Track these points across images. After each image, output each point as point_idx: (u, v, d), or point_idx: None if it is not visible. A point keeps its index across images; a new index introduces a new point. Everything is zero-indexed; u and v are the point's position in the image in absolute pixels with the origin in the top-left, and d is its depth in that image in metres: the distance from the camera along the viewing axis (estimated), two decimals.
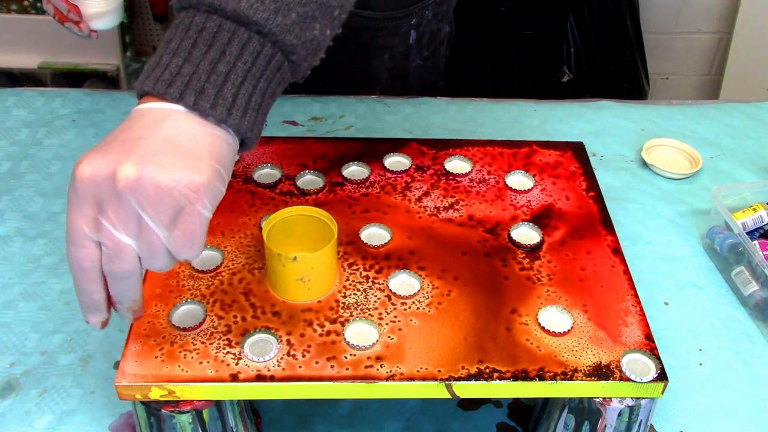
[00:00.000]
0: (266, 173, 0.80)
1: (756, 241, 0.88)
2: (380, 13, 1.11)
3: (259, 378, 0.61)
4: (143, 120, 0.54)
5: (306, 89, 1.14)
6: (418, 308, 0.67)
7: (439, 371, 0.62)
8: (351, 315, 0.66)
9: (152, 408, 0.62)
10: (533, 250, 0.73)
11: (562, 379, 0.62)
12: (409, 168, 0.81)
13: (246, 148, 0.58)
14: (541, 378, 0.62)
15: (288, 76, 0.59)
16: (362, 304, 0.67)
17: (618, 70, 2.01)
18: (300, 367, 0.62)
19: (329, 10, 0.58)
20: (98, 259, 0.54)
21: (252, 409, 0.72)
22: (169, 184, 0.52)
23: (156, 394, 0.61)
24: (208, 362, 0.62)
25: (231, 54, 0.55)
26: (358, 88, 1.18)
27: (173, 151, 0.52)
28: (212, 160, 0.53)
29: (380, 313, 0.66)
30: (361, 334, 0.64)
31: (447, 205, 0.77)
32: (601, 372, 0.62)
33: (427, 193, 0.79)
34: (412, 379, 0.61)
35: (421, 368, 0.62)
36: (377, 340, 0.64)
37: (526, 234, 0.75)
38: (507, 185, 0.80)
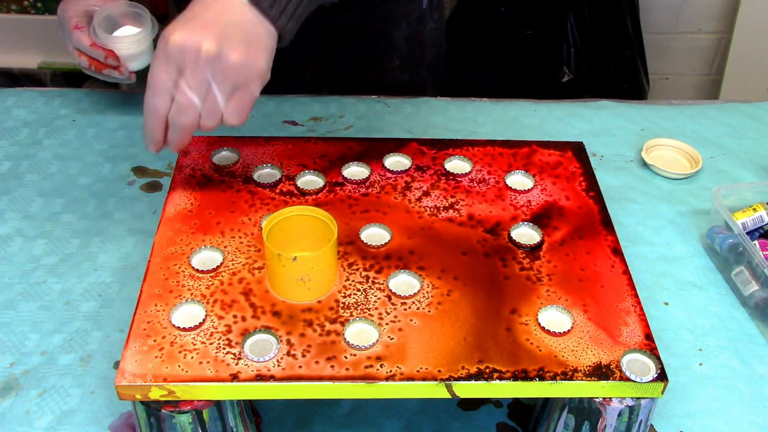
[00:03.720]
0: (266, 173, 0.80)
1: (756, 241, 0.88)
2: None
3: (259, 378, 0.61)
4: (217, 5, 0.66)
5: (330, 61, 1.16)
6: (418, 308, 0.67)
7: (439, 371, 0.62)
8: (351, 315, 0.66)
9: (152, 408, 0.62)
10: (533, 250, 0.73)
11: (562, 379, 0.62)
12: (409, 168, 0.81)
13: (279, 44, 0.69)
14: (541, 378, 0.62)
15: None
16: (362, 304, 0.67)
17: (618, 70, 2.01)
18: (300, 367, 0.62)
19: None
20: (168, 109, 0.67)
21: (252, 409, 0.72)
22: (238, 63, 0.65)
23: (156, 394, 0.61)
24: (208, 362, 0.62)
25: None
26: (380, 61, 1.21)
27: (243, 38, 0.65)
28: (267, 52, 0.67)
29: (380, 313, 0.66)
30: (361, 334, 0.64)
31: (447, 205, 0.77)
32: (601, 372, 0.62)
33: (427, 193, 0.79)
34: (412, 379, 0.61)
35: (421, 368, 0.62)
36: (377, 340, 0.64)
37: (526, 234, 0.75)
38: (507, 185, 0.80)
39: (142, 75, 0.88)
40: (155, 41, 0.98)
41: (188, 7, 0.67)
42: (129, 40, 0.97)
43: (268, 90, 1.16)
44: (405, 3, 1.18)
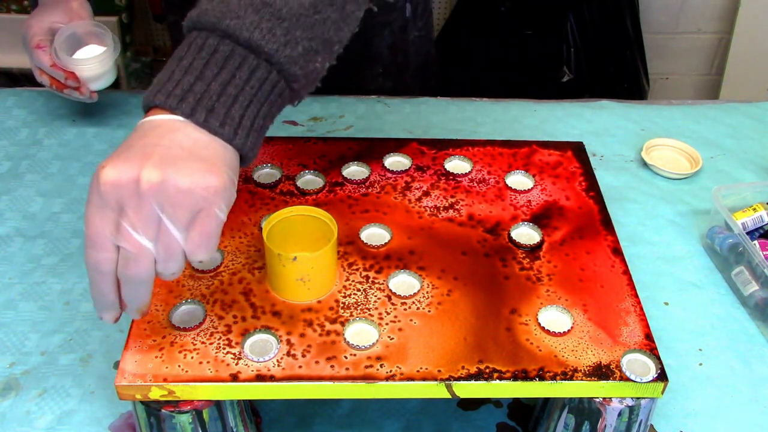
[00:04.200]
0: (266, 173, 0.80)
1: (756, 241, 0.88)
2: None
3: (259, 378, 0.61)
4: (157, 130, 0.56)
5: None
6: (418, 308, 0.67)
7: (439, 371, 0.62)
8: (351, 315, 0.66)
9: (152, 408, 0.62)
10: (533, 250, 0.73)
11: (562, 379, 0.62)
12: (409, 168, 0.81)
13: (243, 164, 0.60)
14: (541, 378, 0.62)
15: (287, 102, 0.63)
16: (362, 304, 0.67)
17: (618, 70, 2.01)
18: (300, 367, 0.62)
19: (330, 45, 0.62)
20: (115, 262, 0.56)
21: (252, 409, 0.72)
22: (189, 186, 0.54)
23: (156, 394, 0.61)
24: (208, 362, 0.62)
25: (240, 78, 0.57)
26: (361, 68, 1.19)
27: (191, 158, 0.55)
28: (226, 167, 0.56)
29: (380, 313, 0.66)
30: (361, 334, 0.64)
31: (447, 205, 0.77)
32: (601, 372, 0.62)
33: (427, 193, 0.79)
34: (412, 379, 0.61)
35: (421, 368, 0.62)
36: (377, 340, 0.64)
37: (526, 234, 0.75)
38: (507, 185, 0.80)
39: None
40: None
41: (123, 142, 0.57)
42: (90, 62, 0.96)
43: None
44: (385, 12, 1.16)
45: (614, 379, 0.62)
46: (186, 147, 0.55)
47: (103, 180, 0.54)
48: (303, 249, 0.69)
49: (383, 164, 0.82)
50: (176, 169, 0.54)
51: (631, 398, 0.63)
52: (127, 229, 0.54)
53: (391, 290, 0.68)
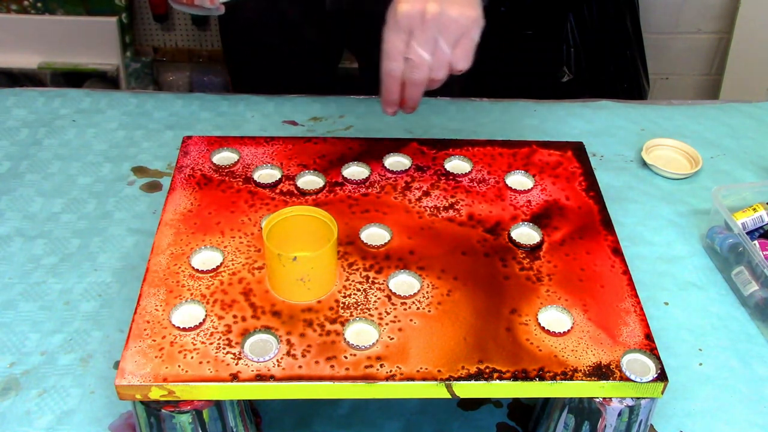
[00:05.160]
0: (266, 173, 0.80)
1: (756, 241, 0.88)
2: None
3: (259, 378, 0.61)
4: None
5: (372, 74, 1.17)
6: (418, 308, 0.67)
7: (439, 371, 0.62)
8: (351, 315, 0.66)
9: (152, 408, 0.62)
10: (533, 250, 0.73)
11: (562, 379, 0.62)
12: (409, 168, 0.81)
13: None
14: (541, 378, 0.62)
15: None
16: (362, 304, 0.67)
17: (618, 70, 2.01)
18: (300, 367, 0.62)
19: None
20: (402, 70, 0.76)
21: (252, 409, 0.72)
22: (457, 17, 0.74)
23: (156, 394, 0.61)
24: (208, 362, 0.62)
25: None
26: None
27: None
28: (478, 3, 0.76)
29: (380, 313, 0.66)
30: (361, 334, 0.64)
31: (447, 205, 0.77)
32: (601, 372, 0.62)
33: (427, 193, 0.79)
34: (412, 379, 0.61)
35: (421, 368, 0.62)
36: (377, 340, 0.64)
37: (526, 234, 0.75)
38: (507, 185, 0.80)
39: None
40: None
41: None
42: None
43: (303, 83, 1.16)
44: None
45: (614, 379, 0.62)
46: None
47: (400, 12, 0.74)
48: (303, 249, 0.69)
49: (383, 164, 0.82)
50: (449, 4, 0.74)
51: (631, 398, 0.63)
52: (414, 46, 0.74)
53: (391, 290, 0.68)
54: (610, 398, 0.63)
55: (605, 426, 0.64)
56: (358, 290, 0.68)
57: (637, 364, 0.64)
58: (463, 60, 0.77)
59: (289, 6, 1.14)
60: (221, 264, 0.70)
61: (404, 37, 0.75)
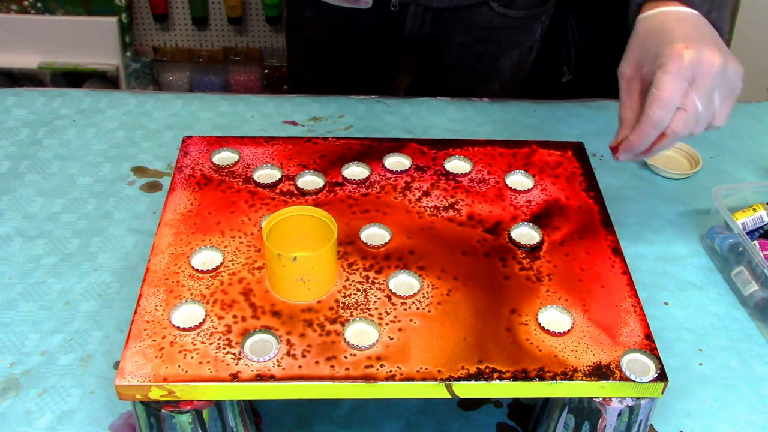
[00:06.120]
0: (266, 173, 0.80)
1: (756, 241, 0.88)
2: (523, 11, 1.17)
3: (259, 378, 0.61)
4: (695, 21, 0.75)
5: (428, 89, 1.18)
6: (418, 308, 0.67)
7: (439, 371, 0.62)
8: (351, 315, 0.66)
9: (152, 408, 0.62)
10: (533, 250, 0.73)
11: (562, 379, 0.62)
12: (409, 168, 0.81)
13: None
14: (541, 378, 0.62)
15: None
16: (362, 304, 0.67)
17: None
18: (300, 367, 0.62)
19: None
20: (669, 120, 0.72)
21: (252, 409, 0.72)
22: (733, 73, 0.72)
23: (156, 394, 0.61)
24: (208, 362, 0.62)
25: None
26: (481, 82, 1.23)
27: (725, 50, 0.73)
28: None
29: (380, 313, 0.66)
30: (361, 334, 0.64)
31: (447, 205, 0.77)
32: (601, 372, 0.62)
33: (427, 193, 0.79)
34: (411, 379, 0.61)
35: (421, 368, 0.62)
36: (377, 340, 0.64)
37: (526, 234, 0.75)
38: (507, 185, 0.80)
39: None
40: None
41: (669, 28, 0.74)
42: None
43: (365, 84, 1.16)
44: (520, 33, 1.19)
45: (614, 379, 0.62)
46: (713, 35, 0.74)
47: (687, 58, 0.70)
48: (303, 249, 0.69)
49: (383, 164, 0.82)
50: (729, 58, 0.72)
51: (631, 398, 0.63)
52: (693, 97, 0.71)
53: (391, 290, 0.68)
54: (610, 398, 0.63)
55: (605, 426, 0.64)
56: (358, 290, 0.68)
57: (637, 364, 0.64)
58: (724, 117, 0.74)
59: (369, 25, 1.15)
60: (221, 264, 0.70)
61: (685, 85, 0.71)
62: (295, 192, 0.78)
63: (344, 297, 0.67)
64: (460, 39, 1.17)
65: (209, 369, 0.61)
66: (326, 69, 1.24)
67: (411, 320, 0.66)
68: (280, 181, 0.79)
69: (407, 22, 1.15)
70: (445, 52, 1.20)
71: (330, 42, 1.22)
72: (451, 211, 0.77)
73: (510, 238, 0.74)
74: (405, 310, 0.67)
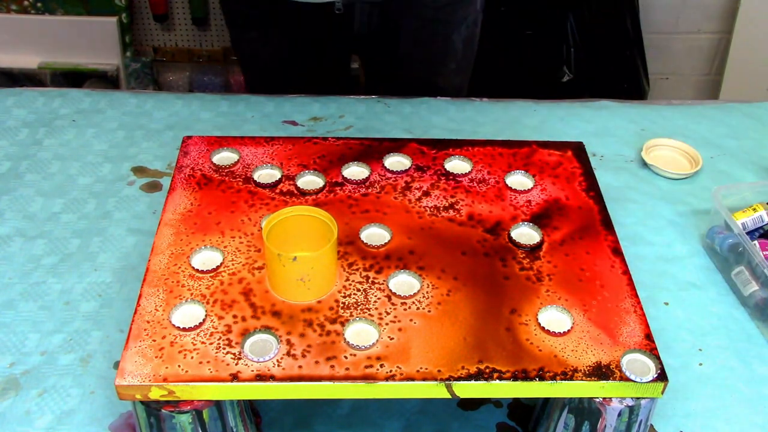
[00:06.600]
0: (266, 173, 0.80)
1: (756, 241, 0.88)
2: None
3: (259, 378, 0.61)
4: None
5: (386, 83, 1.16)
6: (418, 308, 0.67)
7: (439, 371, 0.62)
8: (351, 315, 0.66)
9: (152, 408, 0.62)
10: (533, 250, 0.73)
11: (562, 379, 0.62)
12: (409, 168, 0.81)
13: None
14: (541, 378, 0.62)
15: None
16: (362, 304, 0.67)
17: (618, 70, 2.01)
18: (300, 367, 0.62)
19: None
20: None
21: (252, 409, 0.72)
22: None
23: (156, 394, 0.61)
24: (208, 362, 0.62)
25: None
26: (439, 66, 1.22)
27: None
28: None
29: (380, 313, 0.66)
30: (360, 334, 0.64)
31: (447, 205, 0.78)
32: (601, 372, 0.62)
33: (427, 193, 0.79)
34: (411, 379, 0.61)
35: (421, 368, 0.62)
36: (377, 340, 0.64)
37: (526, 234, 0.75)
38: (507, 185, 0.80)
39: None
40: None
41: None
42: None
43: (317, 86, 1.17)
44: (464, 6, 1.19)
45: (614, 379, 0.62)
46: None
47: None
48: (303, 249, 0.69)
49: (383, 164, 0.82)
50: None
51: (631, 398, 0.63)
52: None
53: (391, 290, 0.68)
54: (610, 398, 0.63)
55: (605, 426, 0.65)
56: (358, 290, 0.68)
57: (637, 364, 0.64)
58: None
59: (317, 33, 1.15)
60: (221, 264, 0.70)
61: None
62: (295, 192, 0.78)
63: (344, 297, 0.67)
64: (409, 26, 1.17)
65: (209, 369, 0.61)
66: (282, 83, 1.23)
67: (411, 320, 0.66)
68: (280, 181, 0.79)
69: (355, 22, 1.14)
70: (397, 43, 1.20)
71: (281, 58, 1.22)
72: (451, 211, 0.77)
73: (510, 238, 0.74)
74: (405, 310, 0.67)
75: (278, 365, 0.62)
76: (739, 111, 1.15)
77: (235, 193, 0.78)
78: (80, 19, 2.07)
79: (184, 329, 0.64)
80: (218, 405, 0.63)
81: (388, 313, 0.66)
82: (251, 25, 1.18)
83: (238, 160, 0.81)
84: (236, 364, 0.61)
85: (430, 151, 0.84)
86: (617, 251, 0.73)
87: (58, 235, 0.90)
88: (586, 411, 0.64)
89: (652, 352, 0.64)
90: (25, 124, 1.06)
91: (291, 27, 1.05)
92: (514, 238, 0.74)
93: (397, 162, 0.82)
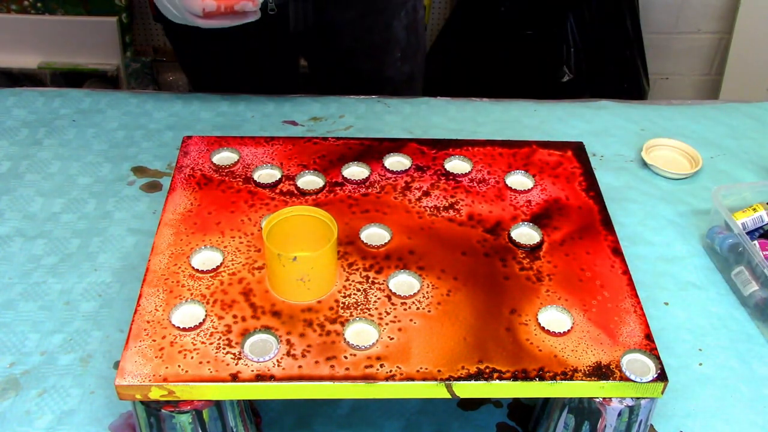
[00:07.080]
0: (266, 173, 0.80)
1: (756, 241, 0.88)
2: None
3: (259, 378, 0.61)
4: None
5: (330, 58, 1.16)
6: (418, 308, 0.67)
7: (439, 371, 0.62)
8: (351, 315, 0.66)
9: (152, 408, 0.62)
10: (533, 250, 0.73)
11: (562, 379, 0.62)
12: (409, 168, 0.81)
13: None
14: (541, 378, 0.62)
15: None
16: (362, 304, 0.67)
17: (618, 70, 2.01)
18: (300, 367, 0.62)
19: None
20: None
21: (252, 409, 0.72)
22: None
23: (156, 394, 0.61)
24: (208, 362, 0.62)
25: None
26: (383, 56, 1.20)
27: None
28: None
29: (380, 313, 0.66)
30: (360, 334, 0.64)
31: (447, 205, 0.77)
32: (601, 372, 0.62)
33: (427, 193, 0.79)
34: (412, 379, 0.61)
35: (421, 368, 0.62)
36: (377, 340, 0.64)
37: (526, 234, 0.75)
38: (507, 185, 0.80)
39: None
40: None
41: None
42: None
43: (265, 89, 1.15)
44: None
45: (614, 379, 0.62)
46: None
47: None
48: (303, 249, 0.69)
49: (383, 164, 0.82)
50: None
51: (631, 398, 0.63)
52: None
53: (391, 290, 0.68)
54: (610, 398, 0.63)
55: (605, 426, 0.64)
56: (358, 290, 0.68)
57: (637, 364, 0.64)
58: None
59: (254, 36, 1.13)
60: (221, 264, 0.70)
61: None
62: (295, 192, 0.78)
63: (344, 297, 0.67)
64: (347, 17, 1.16)
65: (209, 369, 0.61)
66: (231, 89, 1.21)
67: (411, 320, 0.66)
68: (280, 181, 0.79)
69: (290, 20, 1.13)
70: (338, 37, 1.19)
71: (222, 66, 1.21)
72: (451, 211, 0.77)
73: (510, 238, 0.74)
74: (405, 310, 0.67)
75: (278, 365, 0.62)
76: (739, 111, 1.15)
77: (235, 193, 0.78)
78: (80, 19, 2.07)
79: (184, 329, 0.64)
80: (218, 405, 0.63)
81: (388, 313, 0.66)
82: (189, 37, 1.16)
83: (238, 160, 0.81)
84: (236, 364, 0.61)
85: (430, 151, 0.84)
86: (617, 251, 0.73)
87: (58, 235, 0.90)
88: (586, 411, 0.64)
89: (652, 352, 0.64)
90: (25, 124, 1.06)
91: (228, 35, 1.03)
92: (514, 238, 0.74)
93: (397, 162, 0.82)
